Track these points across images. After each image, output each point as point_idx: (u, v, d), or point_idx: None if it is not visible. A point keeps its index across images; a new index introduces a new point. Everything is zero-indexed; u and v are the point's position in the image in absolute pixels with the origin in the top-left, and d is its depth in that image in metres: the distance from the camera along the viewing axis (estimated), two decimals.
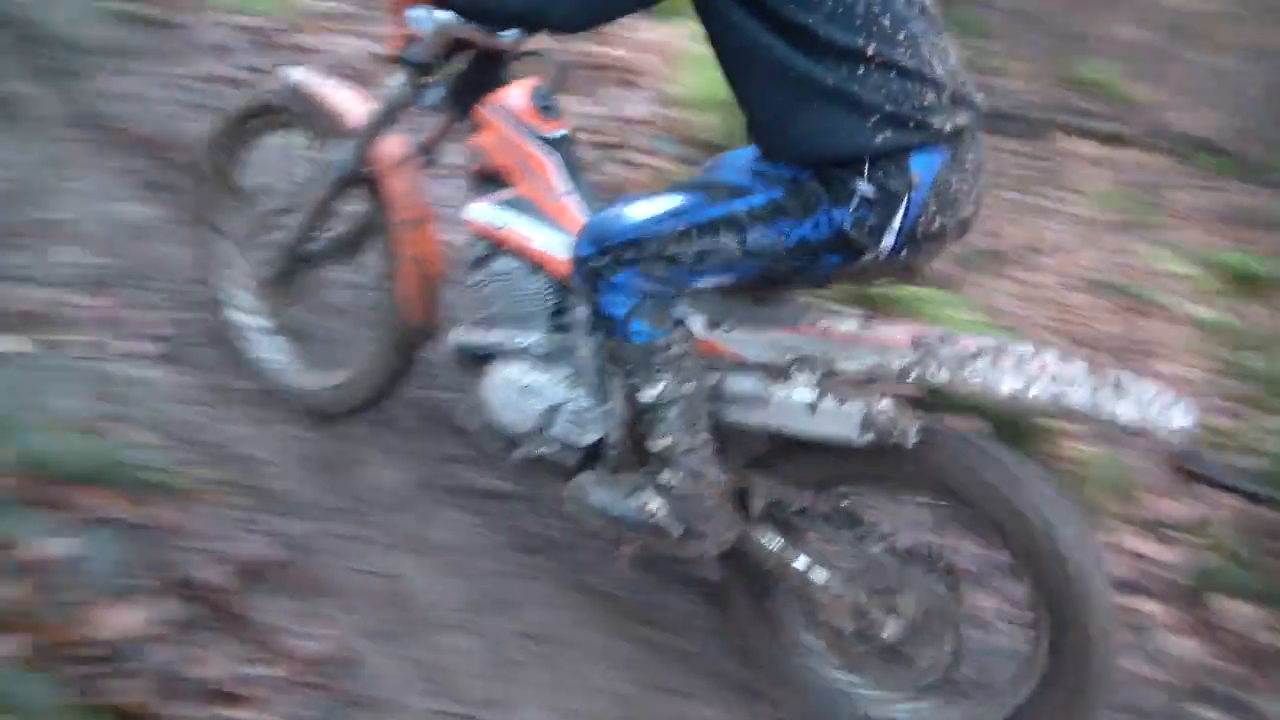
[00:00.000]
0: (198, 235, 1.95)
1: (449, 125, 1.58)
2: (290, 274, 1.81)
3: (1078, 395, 1.18)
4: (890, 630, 1.36)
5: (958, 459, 1.26)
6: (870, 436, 1.23)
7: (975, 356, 1.21)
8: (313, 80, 1.74)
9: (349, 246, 1.78)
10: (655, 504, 1.34)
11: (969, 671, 1.41)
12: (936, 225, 1.22)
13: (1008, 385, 1.18)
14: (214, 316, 1.96)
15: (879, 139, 1.13)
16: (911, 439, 1.23)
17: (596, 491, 1.42)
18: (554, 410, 1.47)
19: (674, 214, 1.26)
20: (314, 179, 1.68)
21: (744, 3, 1.11)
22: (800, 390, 1.28)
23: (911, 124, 1.14)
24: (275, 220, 1.77)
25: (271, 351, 1.93)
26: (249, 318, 1.92)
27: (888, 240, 1.20)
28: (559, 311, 1.50)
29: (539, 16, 1.22)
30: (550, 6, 1.19)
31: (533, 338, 1.51)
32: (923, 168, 1.17)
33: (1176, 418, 1.18)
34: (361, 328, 1.89)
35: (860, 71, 1.12)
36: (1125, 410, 1.18)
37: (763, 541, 1.41)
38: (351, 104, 1.69)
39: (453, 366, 1.64)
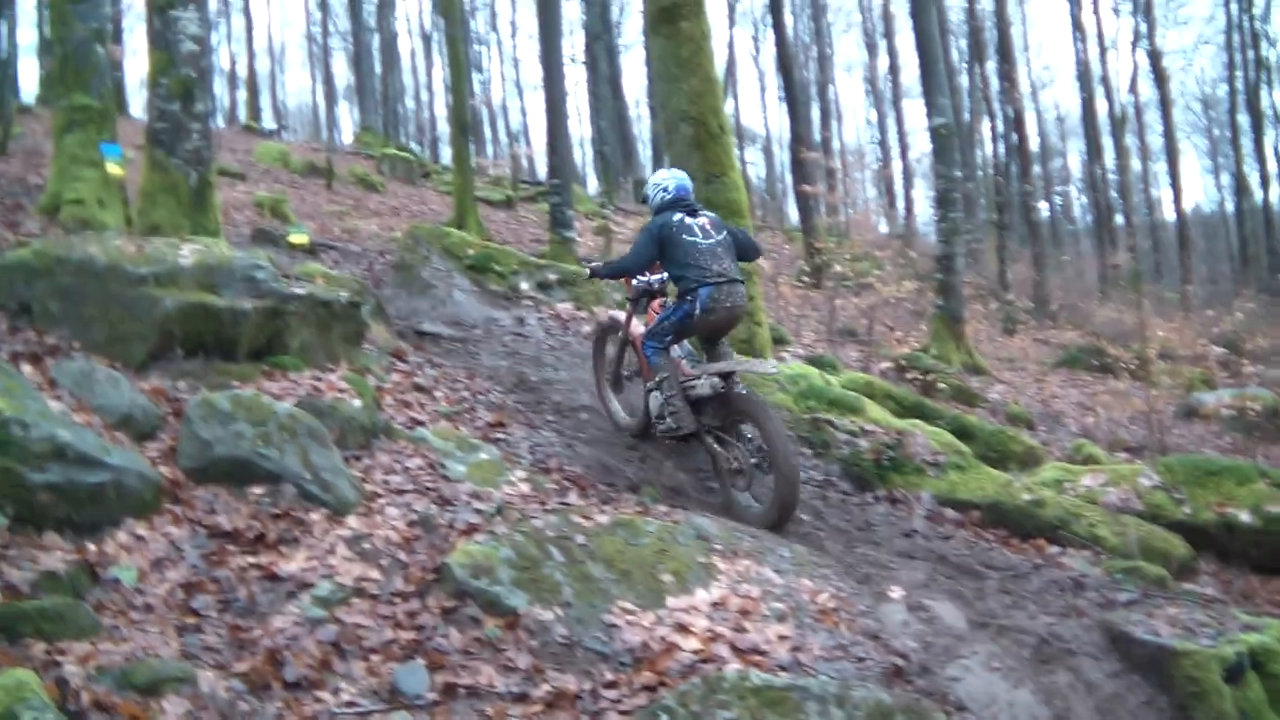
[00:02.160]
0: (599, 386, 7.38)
1: (636, 312, 6.93)
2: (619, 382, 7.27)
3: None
4: (735, 461, 6.04)
5: (740, 398, 6.00)
6: (712, 387, 6.09)
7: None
8: (610, 313, 7.58)
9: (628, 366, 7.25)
10: (667, 415, 6.30)
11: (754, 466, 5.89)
12: (711, 308, 6.01)
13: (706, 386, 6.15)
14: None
15: (690, 284, 6.03)
16: (718, 388, 6.10)
17: (660, 412, 6.43)
18: (660, 404, 6.42)
19: (658, 320, 6.32)
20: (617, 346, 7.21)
21: (663, 258, 6.22)
22: (702, 383, 6.12)
23: (699, 279, 6.00)
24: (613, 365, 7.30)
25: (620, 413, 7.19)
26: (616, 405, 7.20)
27: (698, 313, 5.99)
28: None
29: (623, 272, 6.58)
30: (622, 270, 6.54)
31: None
32: (703, 291, 5.99)
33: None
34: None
35: (689, 269, 6.02)
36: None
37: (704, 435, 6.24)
38: (620, 317, 7.13)
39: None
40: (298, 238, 10.80)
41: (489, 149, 50.02)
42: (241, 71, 51.10)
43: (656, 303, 6.78)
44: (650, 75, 35.50)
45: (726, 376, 6.10)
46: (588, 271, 6.93)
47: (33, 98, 30.46)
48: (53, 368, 4.79)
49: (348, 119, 65.56)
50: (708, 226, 6.25)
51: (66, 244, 5.69)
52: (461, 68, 18.25)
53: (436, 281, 9.75)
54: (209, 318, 5.35)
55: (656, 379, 6.34)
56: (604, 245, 16.65)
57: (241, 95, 50.85)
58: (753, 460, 5.87)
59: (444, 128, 59.89)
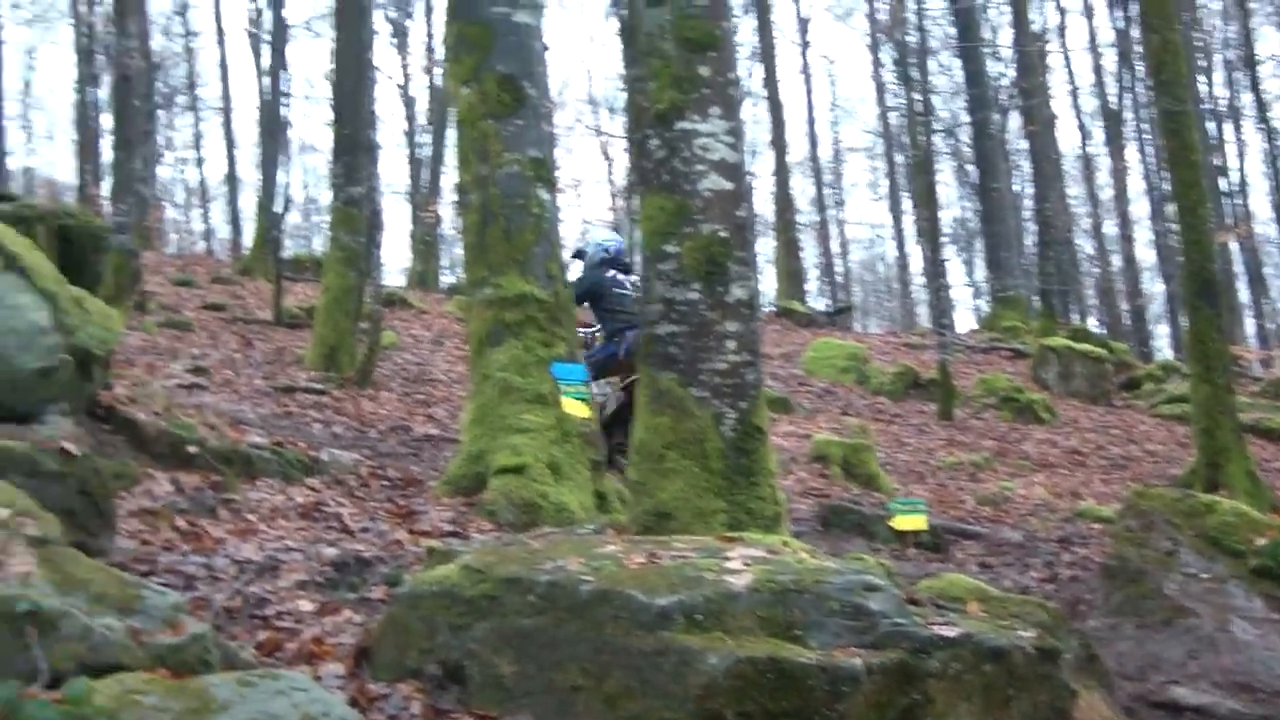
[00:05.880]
0: None
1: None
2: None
3: None
4: None
5: None
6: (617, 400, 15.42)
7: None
8: None
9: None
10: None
11: None
12: (634, 350, 12.66)
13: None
14: None
15: (618, 326, 15.20)
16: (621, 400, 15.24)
17: None
18: None
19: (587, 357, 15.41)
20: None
21: (595, 307, 15.63)
22: (610, 397, 15.33)
23: (627, 323, 14.74)
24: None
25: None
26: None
27: (622, 354, 14.90)
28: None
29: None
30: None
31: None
32: (630, 334, 14.41)
33: None
34: None
35: (619, 315, 15.21)
36: None
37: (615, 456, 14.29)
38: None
39: None
40: (908, 520, 10.76)
41: (1248, 322, 49.13)
42: (763, 205, 54.04)
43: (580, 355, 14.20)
44: None
45: (629, 384, 13.26)
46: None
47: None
48: None
49: (960, 281, 66.51)
50: (637, 283, 13.70)
51: (520, 554, 6.08)
52: (1194, 163, 18.05)
53: (1194, 601, 9.43)
54: (786, 687, 5.38)
55: None
56: None
57: (765, 248, 53.63)
58: None
59: (1154, 287, 59.04)
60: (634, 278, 14.52)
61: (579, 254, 15.76)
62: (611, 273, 14.73)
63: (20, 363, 8.58)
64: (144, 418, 10.16)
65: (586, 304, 14.98)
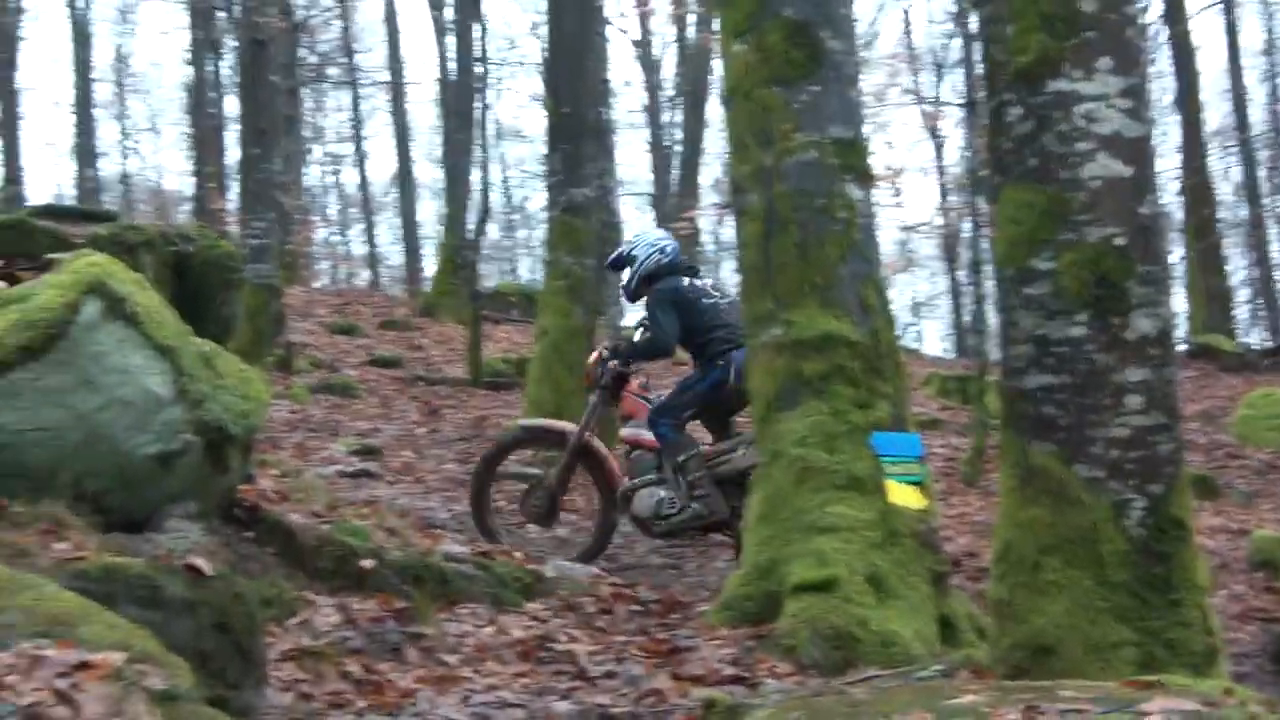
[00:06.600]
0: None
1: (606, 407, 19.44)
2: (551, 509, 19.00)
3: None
4: None
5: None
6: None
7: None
8: (526, 423, 21.27)
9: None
10: (692, 502, 17.60)
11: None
12: (744, 374, 15.48)
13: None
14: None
15: (721, 347, 17.33)
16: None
17: (662, 509, 17.53)
18: (658, 500, 17.74)
19: (678, 390, 19.08)
20: (562, 457, 18.85)
21: (681, 321, 17.64)
22: (739, 455, 17.33)
23: (733, 341, 16.94)
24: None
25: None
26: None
27: (731, 379, 16.95)
28: (657, 467, 18.02)
29: (650, 357, 19.22)
30: (658, 347, 18.36)
31: (649, 476, 18.07)
32: (738, 355, 16.47)
33: None
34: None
35: (718, 331, 17.33)
36: None
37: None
38: (553, 425, 20.28)
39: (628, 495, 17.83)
40: None
41: None
42: (1168, 196, 53.23)
43: (635, 384, 16.88)
44: None
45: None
46: (604, 354, 17.52)
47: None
48: None
49: None
50: (715, 287, 16.35)
51: (838, 708, 6.01)
52: None
53: None
54: None
55: (681, 458, 15.50)
56: None
57: (1174, 260, 52.74)
58: None
59: None
60: (708, 281, 16.88)
61: (622, 261, 17.14)
62: (686, 280, 16.08)
63: (131, 446, 8.67)
64: (299, 520, 10.34)
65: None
